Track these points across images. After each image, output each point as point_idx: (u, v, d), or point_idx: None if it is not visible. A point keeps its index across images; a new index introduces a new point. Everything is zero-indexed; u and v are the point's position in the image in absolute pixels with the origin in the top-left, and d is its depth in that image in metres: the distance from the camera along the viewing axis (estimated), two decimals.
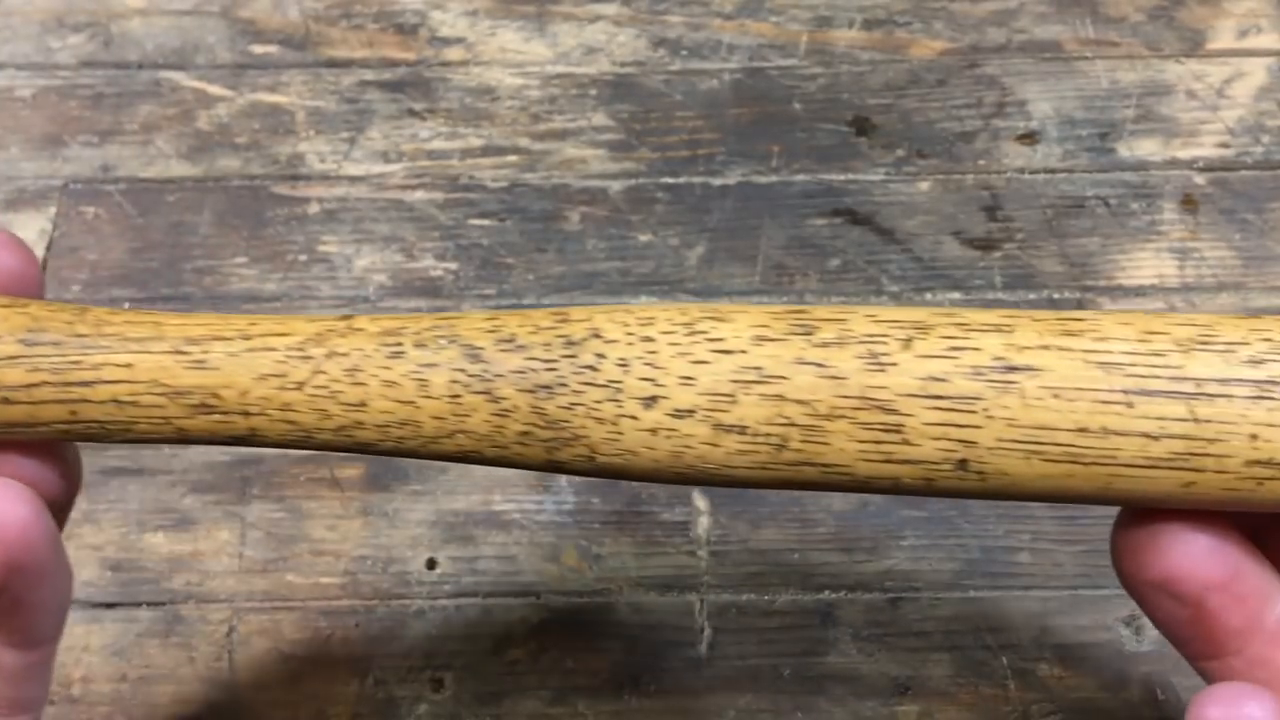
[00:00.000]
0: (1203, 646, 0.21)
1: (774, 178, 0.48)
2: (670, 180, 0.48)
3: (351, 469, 0.43)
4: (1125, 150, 0.48)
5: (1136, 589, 0.21)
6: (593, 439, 0.20)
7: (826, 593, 0.40)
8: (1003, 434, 0.19)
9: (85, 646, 0.40)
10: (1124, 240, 0.46)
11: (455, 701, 0.39)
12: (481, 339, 0.20)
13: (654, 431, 0.20)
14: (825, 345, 0.20)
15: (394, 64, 0.51)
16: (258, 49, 0.51)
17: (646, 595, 0.40)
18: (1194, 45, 0.50)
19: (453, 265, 0.46)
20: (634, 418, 0.20)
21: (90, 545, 0.42)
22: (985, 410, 0.19)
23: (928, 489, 0.20)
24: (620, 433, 0.20)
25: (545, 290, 0.45)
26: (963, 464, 0.19)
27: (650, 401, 0.20)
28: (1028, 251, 0.46)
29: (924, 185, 0.47)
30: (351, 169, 0.48)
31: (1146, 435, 0.19)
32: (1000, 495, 0.20)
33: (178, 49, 0.51)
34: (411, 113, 0.49)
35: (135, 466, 0.43)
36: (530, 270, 0.46)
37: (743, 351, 0.20)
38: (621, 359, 0.20)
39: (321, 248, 0.46)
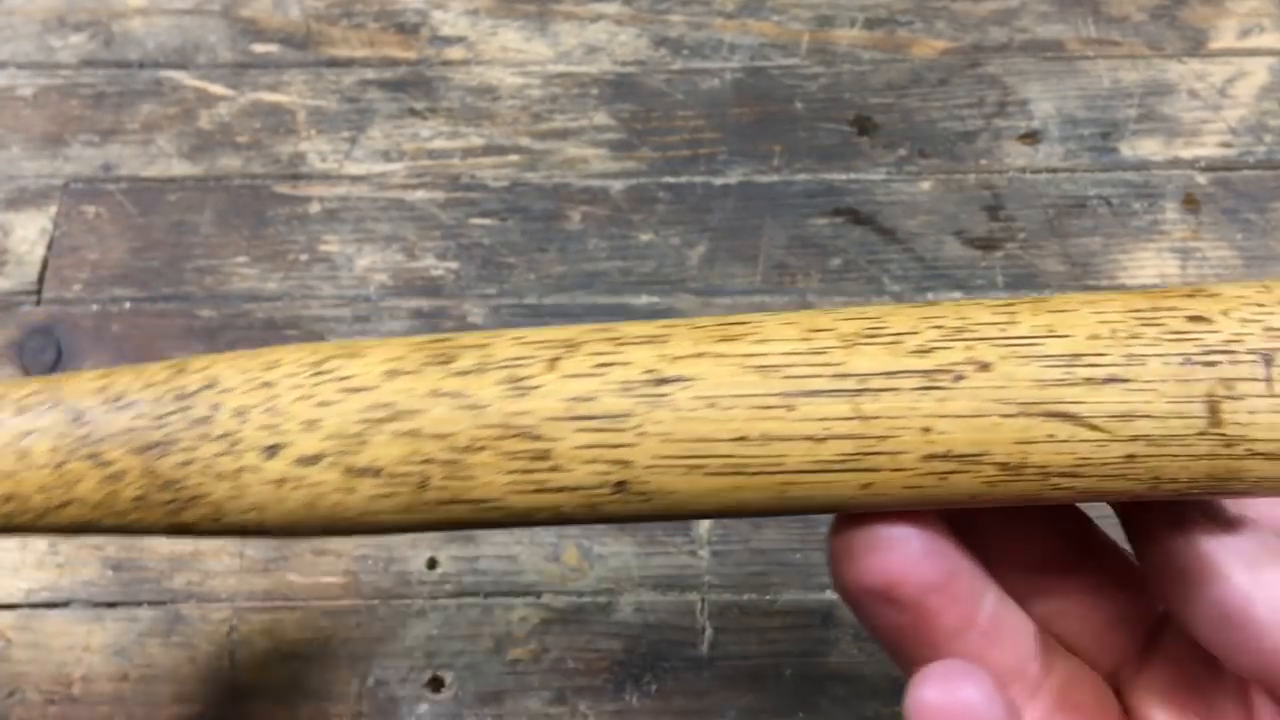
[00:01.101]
0: (918, 651, 0.20)
1: (775, 177, 0.48)
2: (671, 180, 0.48)
3: None
4: (1127, 150, 0.48)
5: (854, 596, 0.20)
6: (215, 497, 0.18)
7: (828, 592, 0.40)
8: (658, 451, 0.18)
9: (86, 646, 0.40)
10: (1126, 240, 0.46)
11: (456, 701, 0.39)
12: (87, 399, 0.19)
13: (280, 483, 0.18)
14: (464, 374, 0.19)
15: (395, 63, 0.51)
16: (259, 48, 0.51)
17: (648, 595, 0.40)
18: (1196, 45, 0.50)
19: (454, 265, 0.46)
20: (256, 470, 0.18)
21: (91, 544, 0.42)
22: (637, 427, 0.18)
23: (593, 515, 0.19)
24: (244, 487, 0.18)
25: (546, 290, 0.45)
26: (621, 486, 0.18)
27: (272, 451, 0.18)
28: (1029, 251, 0.46)
29: (926, 185, 0.47)
30: (352, 168, 0.48)
31: (811, 438, 0.18)
32: (674, 515, 0.19)
33: (179, 48, 0.51)
34: (413, 112, 0.49)
35: None
36: (531, 270, 0.46)
37: (373, 388, 0.19)
38: (238, 408, 0.19)
39: (323, 247, 0.46)
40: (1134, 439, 0.18)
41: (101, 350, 0.45)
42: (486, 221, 0.47)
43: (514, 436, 0.18)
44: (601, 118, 0.49)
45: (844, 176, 0.48)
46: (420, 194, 0.48)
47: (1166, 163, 0.48)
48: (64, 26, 0.52)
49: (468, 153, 0.48)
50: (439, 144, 0.49)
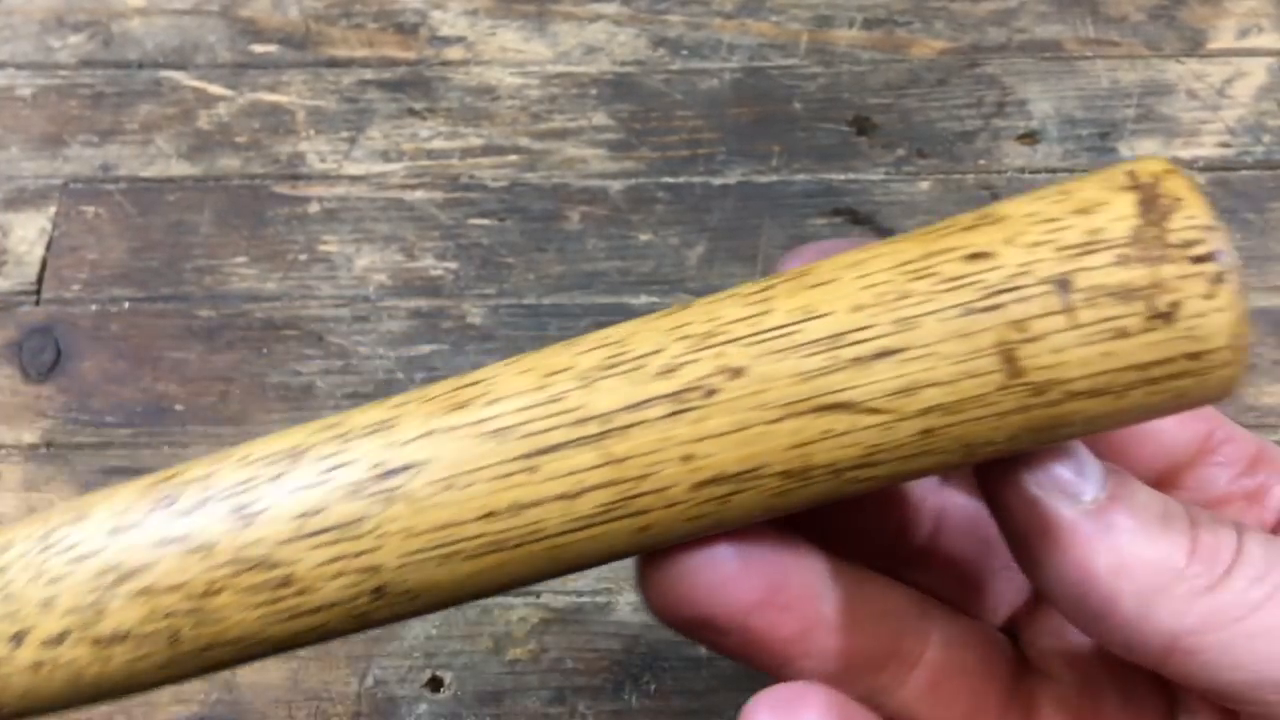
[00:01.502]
0: (764, 662, 0.19)
1: (774, 177, 0.48)
2: (670, 180, 0.48)
3: None
4: (1126, 150, 0.48)
5: (676, 628, 0.19)
6: None
7: None
8: (405, 548, 0.17)
9: None
10: None
11: (455, 701, 0.39)
12: None
13: (37, 667, 0.17)
14: (188, 514, 0.18)
15: (394, 63, 0.51)
16: (258, 48, 0.51)
17: None
18: (1194, 45, 0.50)
19: (453, 265, 0.46)
20: (9, 660, 0.17)
21: None
22: (375, 530, 0.17)
23: (364, 624, 0.17)
24: (4, 680, 0.17)
25: (545, 290, 0.45)
26: (379, 591, 0.17)
27: (18, 639, 0.17)
28: None
29: (924, 185, 0.47)
30: (352, 168, 0.48)
31: (564, 496, 0.16)
32: (445, 604, 0.17)
33: (178, 48, 0.51)
34: (412, 112, 0.49)
35: (135, 466, 0.43)
36: (530, 270, 0.46)
37: (99, 551, 0.17)
38: None
39: (322, 247, 0.46)
40: (925, 412, 0.16)
41: (100, 350, 0.45)
42: (485, 221, 0.47)
43: (249, 570, 0.17)
44: (600, 118, 0.49)
45: (843, 176, 0.48)
46: (419, 194, 0.48)
47: None
48: (63, 26, 0.52)
49: (467, 153, 0.48)
50: (438, 144, 0.49)
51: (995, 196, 0.47)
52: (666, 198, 0.47)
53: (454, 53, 0.51)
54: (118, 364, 0.44)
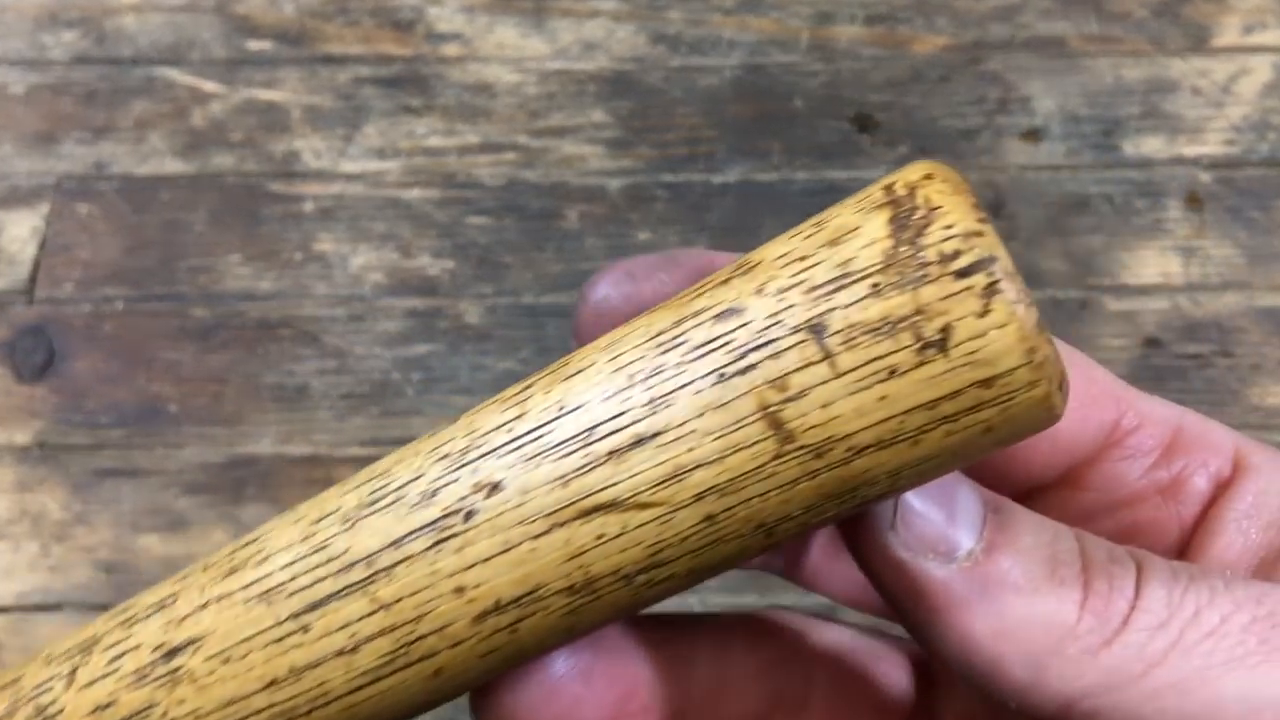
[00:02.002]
0: None
1: (775, 175, 0.47)
2: (670, 178, 0.47)
3: (347, 470, 0.42)
4: (1130, 148, 0.47)
5: None
6: None
7: None
8: None
9: None
10: (1128, 238, 0.46)
11: (454, 703, 0.38)
12: None
13: None
14: None
15: (390, 60, 0.50)
16: (252, 45, 0.50)
17: None
18: (1199, 42, 0.50)
19: (450, 264, 0.46)
20: None
21: (83, 547, 0.41)
22: (165, 715, 0.16)
23: None
24: None
25: (543, 289, 0.45)
26: None
27: None
28: (1031, 250, 0.46)
29: None
30: (347, 166, 0.48)
31: (342, 653, 0.15)
32: None
33: (172, 45, 0.50)
34: (408, 109, 0.49)
35: (128, 467, 0.42)
36: (528, 268, 0.45)
37: None
38: None
39: (317, 246, 0.46)
40: (699, 497, 0.14)
41: (94, 351, 0.44)
42: (483, 220, 0.47)
43: None
44: (599, 115, 0.49)
45: (844, 174, 0.47)
46: (416, 192, 0.47)
47: (1169, 161, 0.47)
48: (56, 23, 0.51)
49: (464, 151, 0.48)
50: (435, 142, 0.48)
51: (998, 194, 0.47)
52: (666, 196, 0.47)
53: (451, 49, 0.50)
54: (111, 364, 0.44)
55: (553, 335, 0.44)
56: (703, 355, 0.14)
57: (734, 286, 0.14)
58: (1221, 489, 0.17)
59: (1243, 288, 0.45)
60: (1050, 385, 0.14)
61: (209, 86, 0.49)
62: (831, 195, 0.47)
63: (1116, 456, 0.18)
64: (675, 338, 0.14)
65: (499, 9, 0.51)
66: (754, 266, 0.14)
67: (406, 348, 0.44)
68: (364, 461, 0.43)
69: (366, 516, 0.15)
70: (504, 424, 0.15)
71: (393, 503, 0.15)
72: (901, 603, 0.15)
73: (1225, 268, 0.45)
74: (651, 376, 0.14)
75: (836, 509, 0.14)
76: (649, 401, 0.14)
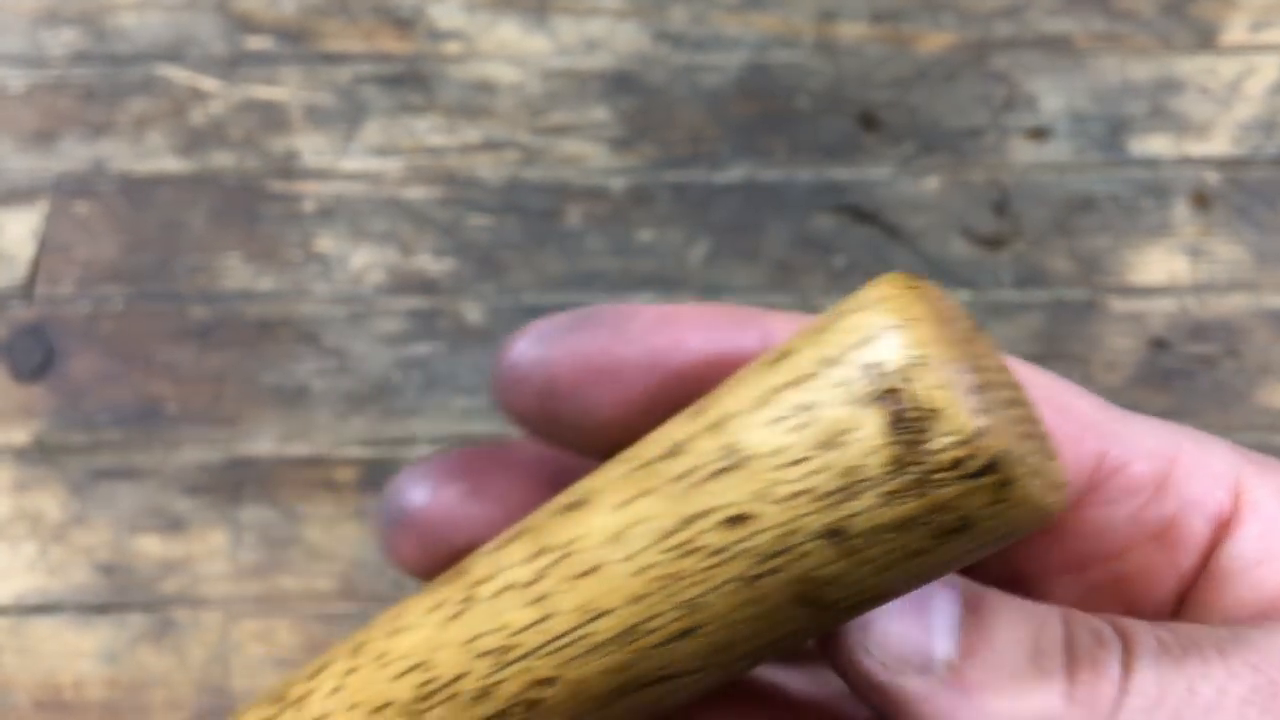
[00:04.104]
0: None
1: (778, 174, 0.47)
2: (672, 177, 0.47)
3: (348, 470, 0.42)
4: (1136, 146, 0.47)
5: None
6: None
7: None
8: None
9: (77, 651, 0.40)
10: (1135, 238, 0.45)
11: None
12: None
13: None
14: None
15: (391, 57, 0.50)
16: (252, 42, 0.50)
17: None
18: (1206, 39, 0.49)
19: (450, 263, 0.45)
20: None
21: (81, 548, 0.41)
22: None
23: None
24: None
25: (545, 289, 0.45)
26: None
27: None
28: (1037, 250, 0.45)
29: (931, 182, 0.47)
30: (348, 165, 0.47)
31: None
32: None
33: (171, 42, 0.50)
34: (409, 107, 0.49)
35: (127, 467, 0.42)
36: (529, 268, 0.45)
37: None
38: None
39: (317, 245, 0.46)
40: (742, 659, 0.15)
41: (92, 350, 0.44)
42: (484, 219, 0.46)
43: None
44: (601, 113, 0.48)
45: (848, 173, 0.47)
46: (416, 191, 0.47)
47: (1176, 160, 0.47)
48: (54, 21, 0.51)
49: (465, 149, 0.48)
50: (436, 140, 0.48)
51: (1004, 194, 0.46)
52: (668, 195, 0.47)
53: (452, 47, 0.50)
54: (109, 364, 0.44)
55: None
56: (723, 563, 0.14)
57: (731, 486, 0.14)
58: (1222, 529, 0.16)
59: (1251, 288, 0.44)
60: (1063, 505, 0.14)
61: (208, 84, 0.49)
62: (835, 194, 0.47)
63: (1101, 501, 0.16)
64: (687, 543, 0.14)
65: (501, 6, 0.51)
66: (745, 463, 0.14)
67: (407, 347, 0.44)
68: (364, 461, 0.42)
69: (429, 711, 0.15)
70: (535, 623, 0.15)
71: (448, 698, 0.15)
72: (886, 713, 0.15)
73: (1233, 268, 0.45)
74: (675, 581, 0.14)
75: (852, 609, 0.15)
76: (679, 604, 0.14)
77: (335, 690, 0.15)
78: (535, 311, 0.45)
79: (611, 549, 0.15)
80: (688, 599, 0.14)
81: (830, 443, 0.14)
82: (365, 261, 0.45)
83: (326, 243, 0.46)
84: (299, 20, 0.51)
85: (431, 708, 0.15)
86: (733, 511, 0.14)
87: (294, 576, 0.40)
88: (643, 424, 0.15)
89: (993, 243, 0.46)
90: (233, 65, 0.50)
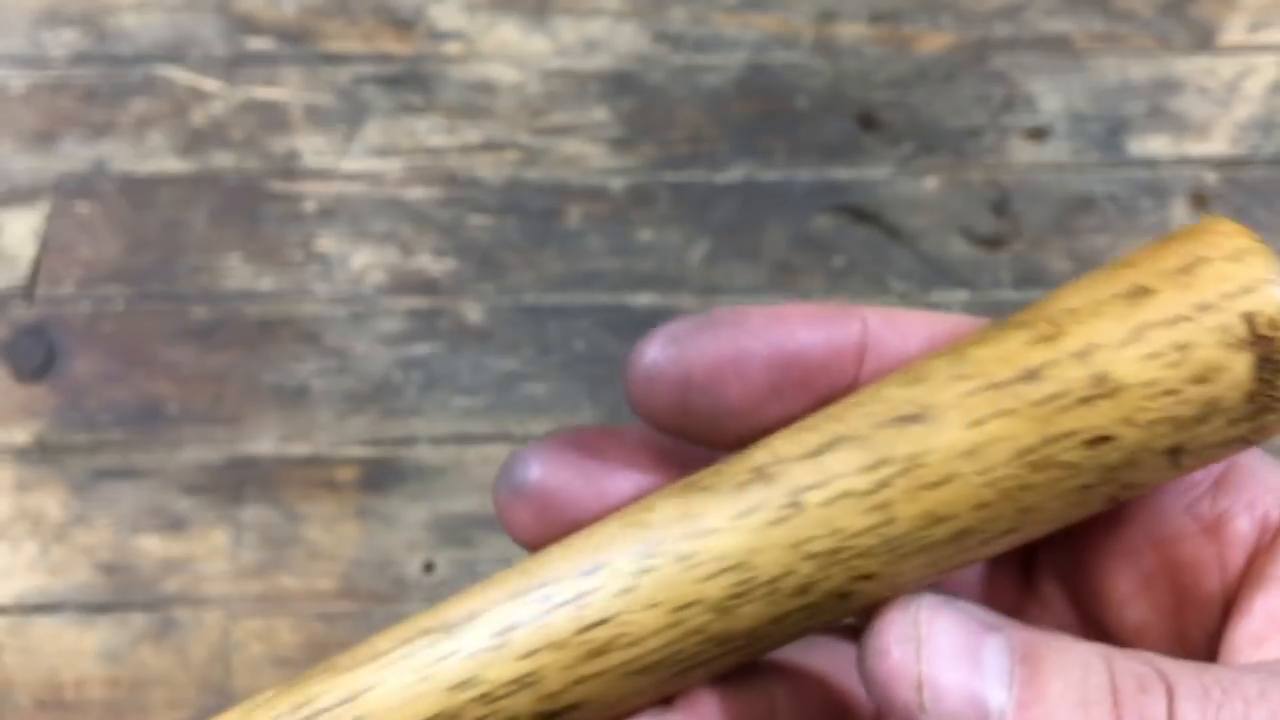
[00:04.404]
0: None
1: (778, 174, 0.47)
2: (672, 177, 0.47)
3: (348, 470, 0.42)
4: (1135, 146, 0.47)
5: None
6: None
7: None
8: None
9: (78, 650, 0.40)
10: (1134, 238, 0.45)
11: None
12: None
13: None
14: None
15: (391, 58, 0.50)
16: (253, 43, 0.50)
17: None
18: (1205, 40, 0.49)
19: (451, 263, 0.45)
20: None
21: (82, 547, 0.41)
22: None
23: None
24: None
25: (545, 288, 0.45)
26: None
27: None
28: (1036, 249, 0.45)
29: (931, 182, 0.47)
30: (348, 165, 0.47)
31: None
32: None
33: (172, 43, 0.50)
34: (409, 108, 0.49)
35: (128, 467, 0.42)
36: (530, 268, 0.45)
37: None
38: None
39: (318, 245, 0.46)
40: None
41: (93, 350, 0.44)
42: (484, 219, 0.46)
43: None
44: (601, 114, 0.48)
45: (848, 174, 0.47)
46: (417, 191, 0.47)
47: (1175, 160, 0.47)
48: (55, 21, 0.51)
49: (465, 149, 0.48)
50: (436, 140, 0.48)
51: (1003, 193, 0.47)
52: (668, 195, 0.47)
53: (452, 47, 0.50)
54: (110, 364, 0.44)
55: (554, 335, 0.44)
56: (1073, 476, 0.16)
57: (1099, 411, 0.16)
58: (1268, 534, 0.17)
59: None
60: None
61: (209, 85, 0.49)
62: (835, 194, 0.47)
63: (1161, 489, 0.18)
64: (1046, 458, 0.16)
65: (501, 7, 0.51)
66: (1117, 389, 0.16)
67: (407, 347, 0.44)
68: (365, 460, 0.43)
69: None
70: (873, 527, 0.16)
71: (766, 595, 0.16)
72: None
73: None
74: (1022, 492, 0.16)
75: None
76: (1016, 511, 0.16)
77: (626, 590, 0.16)
78: (535, 311, 0.45)
79: (965, 462, 0.16)
80: (1026, 505, 0.16)
81: (1201, 378, 0.15)
82: (366, 261, 0.46)
83: (327, 243, 0.46)
84: (300, 21, 0.51)
85: (745, 604, 0.16)
86: (1097, 434, 0.16)
87: (295, 576, 0.41)
88: (765, 413, 0.16)
89: (992, 242, 0.46)
90: (233, 66, 0.50)
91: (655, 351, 0.17)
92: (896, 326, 0.17)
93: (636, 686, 0.16)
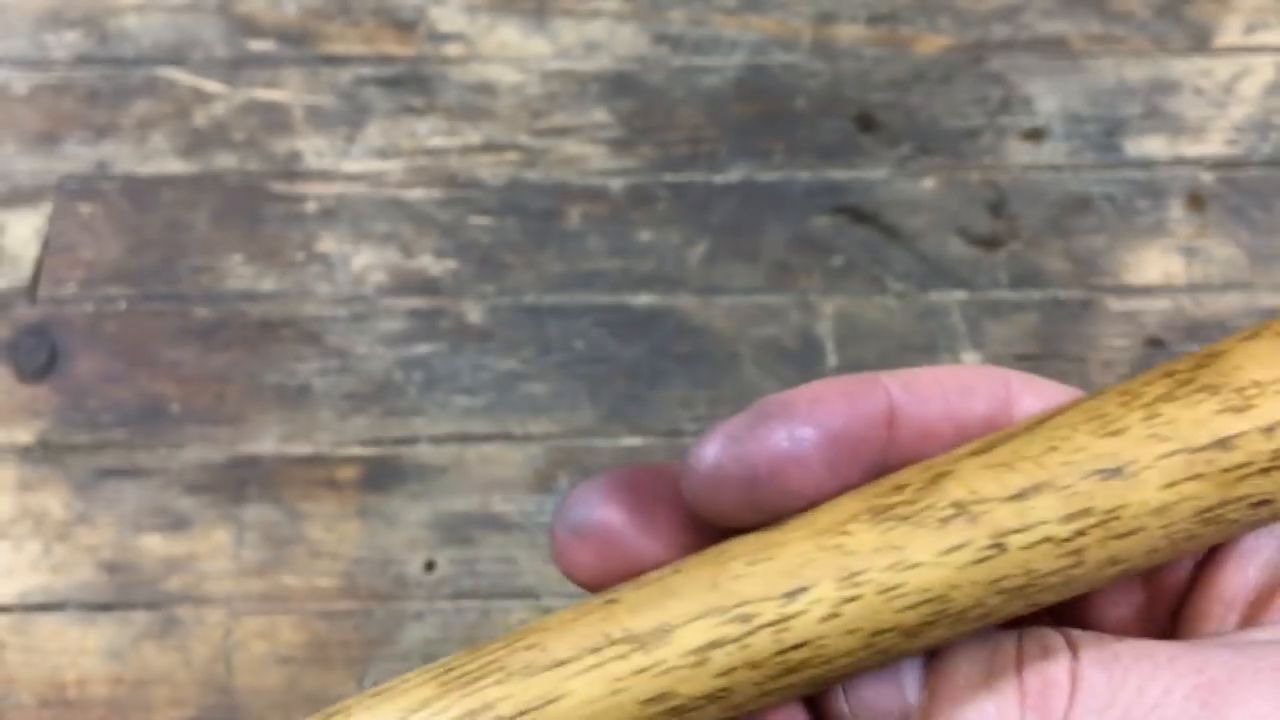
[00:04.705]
0: None
1: (777, 175, 0.47)
2: (672, 178, 0.47)
3: (349, 469, 0.43)
4: (1132, 147, 0.47)
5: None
6: None
7: None
8: None
9: (81, 649, 0.40)
10: (1130, 239, 0.46)
11: None
12: None
13: None
14: None
15: (392, 60, 0.50)
16: (254, 45, 0.50)
17: None
18: (1201, 41, 0.50)
19: (452, 264, 0.46)
20: None
21: (85, 547, 0.41)
22: None
23: None
24: None
25: (545, 288, 0.45)
26: None
27: None
28: (1033, 250, 0.45)
29: (928, 182, 0.47)
30: (349, 166, 0.48)
31: None
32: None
33: (174, 45, 0.50)
34: (410, 109, 0.49)
35: (130, 467, 0.42)
36: (530, 268, 0.45)
37: None
38: None
39: (319, 246, 0.46)
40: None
41: (96, 350, 0.44)
42: (485, 220, 0.47)
43: None
44: (601, 115, 0.49)
45: (846, 174, 0.47)
46: (418, 192, 0.47)
47: (1171, 160, 0.47)
48: (58, 23, 0.51)
49: (466, 150, 0.48)
50: (436, 142, 0.48)
51: (1000, 194, 0.47)
52: (668, 196, 0.47)
53: (453, 49, 0.50)
54: (113, 364, 0.44)
55: (554, 335, 0.44)
56: (1225, 526, 0.18)
57: (1274, 481, 0.17)
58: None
59: (1245, 288, 0.45)
60: None
61: (211, 86, 0.50)
62: (833, 195, 0.47)
63: None
64: (1215, 517, 0.17)
65: (501, 9, 0.51)
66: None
67: (408, 347, 0.44)
68: (366, 460, 0.43)
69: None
70: (1062, 569, 0.17)
71: (954, 622, 0.17)
72: None
73: (1227, 268, 0.45)
74: (1186, 541, 0.17)
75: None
76: (1168, 549, 0.18)
77: (830, 617, 0.17)
78: (536, 311, 0.45)
79: (1154, 518, 0.17)
80: (1183, 550, 0.17)
81: (1271, 430, 0.17)
82: (367, 262, 0.46)
83: (328, 243, 0.46)
84: (301, 23, 0.51)
85: (933, 630, 0.17)
86: (1263, 498, 0.17)
87: (296, 574, 0.41)
88: (824, 491, 0.17)
89: (989, 243, 0.46)
90: (235, 67, 0.50)
91: (716, 451, 0.17)
92: (913, 390, 0.18)
93: (805, 691, 0.17)
